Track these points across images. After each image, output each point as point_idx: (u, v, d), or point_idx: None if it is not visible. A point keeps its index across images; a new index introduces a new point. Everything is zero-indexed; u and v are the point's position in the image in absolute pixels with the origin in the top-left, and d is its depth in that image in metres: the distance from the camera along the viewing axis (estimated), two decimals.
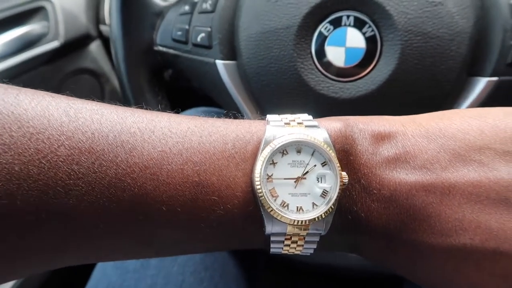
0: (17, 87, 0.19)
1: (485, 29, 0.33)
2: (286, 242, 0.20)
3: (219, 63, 0.38)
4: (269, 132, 0.20)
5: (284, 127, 0.20)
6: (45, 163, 0.17)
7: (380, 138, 0.20)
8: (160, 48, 0.41)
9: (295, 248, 0.20)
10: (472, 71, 0.33)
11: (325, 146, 0.19)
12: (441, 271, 0.19)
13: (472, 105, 0.34)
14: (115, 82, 0.74)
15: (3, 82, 0.19)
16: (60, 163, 0.17)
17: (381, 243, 0.20)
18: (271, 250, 0.21)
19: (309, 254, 0.21)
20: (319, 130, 0.20)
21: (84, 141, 0.18)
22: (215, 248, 0.22)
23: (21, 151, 0.17)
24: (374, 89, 0.33)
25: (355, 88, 0.34)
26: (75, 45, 0.66)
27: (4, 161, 0.16)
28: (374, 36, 0.33)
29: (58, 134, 0.17)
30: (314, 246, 0.20)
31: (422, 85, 0.33)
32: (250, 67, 0.36)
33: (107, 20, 0.70)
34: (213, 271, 0.44)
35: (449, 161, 0.19)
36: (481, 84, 0.33)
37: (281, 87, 0.35)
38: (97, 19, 0.70)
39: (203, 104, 0.52)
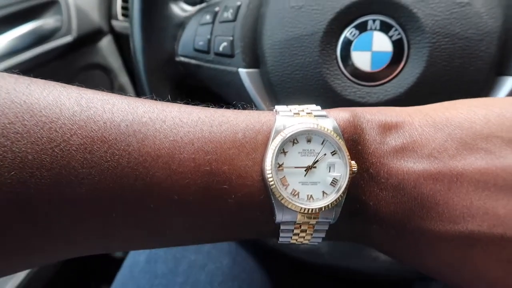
0: (28, 77, 0.19)
1: None
2: (296, 231, 0.20)
3: (242, 71, 0.37)
4: (279, 122, 0.20)
5: (293, 117, 0.20)
6: (58, 152, 0.17)
7: (388, 128, 0.20)
8: (182, 59, 0.41)
9: (303, 237, 0.21)
10: (500, 70, 0.33)
11: (335, 135, 0.19)
12: (449, 258, 0.19)
13: None
14: (125, 78, 0.75)
15: (14, 73, 0.19)
16: (73, 151, 0.17)
17: (390, 231, 0.20)
18: (280, 239, 0.21)
19: (316, 243, 0.21)
20: (328, 120, 0.20)
21: (97, 130, 0.18)
22: (225, 237, 0.22)
23: (34, 140, 0.17)
24: (402, 92, 0.33)
25: (382, 92, 0.33)
26: (87, 40, 0.66)
27: (17, 150, 0.16)
28: (400, 39, 0.33)
29: (70, 124, 0.17)
30: (323, 235, 0.21)
31: (451, 86, 0.33)
32: (274, 74, 0.36)
33: (119, 15, 0.70)
34: (240, 281, 0.44)
35: (456, 149, 0.19)
36: (510, 83, 0.33)
37: (307, 94, 0.35)
38: (109, 14, 0.70)
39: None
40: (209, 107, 0.21)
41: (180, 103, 0.21)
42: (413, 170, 0.19)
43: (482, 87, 0.33)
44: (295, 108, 0.21)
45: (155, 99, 0.21)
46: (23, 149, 0.16)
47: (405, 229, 0.20)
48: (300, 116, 0.20)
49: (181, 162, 0.18)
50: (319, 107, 0.21)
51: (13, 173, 0.16)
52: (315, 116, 0.20)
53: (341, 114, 0.21)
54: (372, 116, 0.21)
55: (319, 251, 0.42)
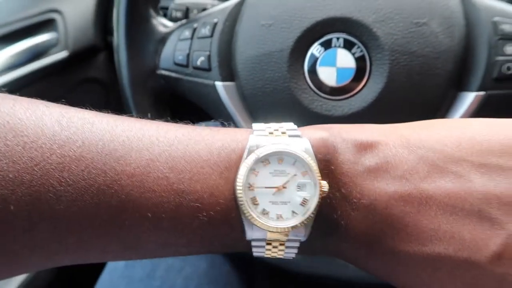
0: (13, 97, 0.20)
1: (470, 46, 0.34)
2: (268, 247, 0.21)
3: (219, 84, 0.39)
4: (252, 141, 0.21)
5: (267, 137, 0.21)
6: (37, 170, 0.18)
7: (363, 147, 0.21)
8: (163, 72, 0.43)
9: (276, 252, 0.21)
10: (460, 86, 0.35)
11: (306, 156, 0.20)
12: (418, 278, 0.20)
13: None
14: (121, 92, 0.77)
15: (2, 91, 0.20)
16: (52, 170, 0.18)
17: (361, 250, 0.21)
18: (254, 254, 0.21)
19: (291, 258, 0.22)
20: (301, 140, 0.21)
21: (75, 149, 0.19)
22: (198, 251, 0.22)
23: (15, 159, 0.18)
24: (365, 106, 0.35)
25: (347, 106, 0.35)
26: (83, 55, 0.68)
27: (0, 168, 0.17)
28: (363, 56, 0.34)
29: (50, 143, 0.18)
30: (295, 250, 0.21)
31: (412, 101, 0.34)
32: (247, 88, 0.38)
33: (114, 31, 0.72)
34: (216, 285, 0.45)
35: (427, 172, 0.20)
36: (469, 98, 0.34)
37: (277, 107, 0.37)
38: (105, 30, 0.73)
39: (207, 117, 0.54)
40: (188, 124, 0.22)
41: (162, 120, 0.22)
42: (385, 191, 0.20)
43: (441, 102, 0.34)
44: (270, 127, 0.22)
45: (139, 116, 0.22)
46: (5, 167, 0.17)
47: (376, 248, 0.20)
48: (274, 136, 0.21)
49: (155, 181, 0.19)
50: (295, 126, 0.22)
51: None
52: (289, 136, 0.21)
53: (316, 134, 0.21)
54: (347, 135, 0.21)
55: (294, 258, 0.43)
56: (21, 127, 0.18)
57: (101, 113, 0.21)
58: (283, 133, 0.21)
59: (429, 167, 0.20)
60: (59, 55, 0.63)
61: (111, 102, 0.78)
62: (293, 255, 0.22)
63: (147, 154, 0.20)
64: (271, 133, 0.21)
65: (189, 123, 0.23)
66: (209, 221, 0.20)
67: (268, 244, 0.21)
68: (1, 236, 0.18)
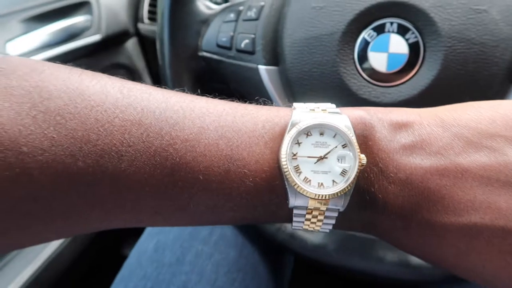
0: (79, 69, 0.22)
1: None
2: (307, 216, 0.22)
3: (262, 68, 0.39)
4: (295, 116, 0.22)
5: (309, 113, 0.22)
6: (102, 131, 0.19)
7: (398, 126, 0.22)
8: (205, 54, 0.42)
9: (315, 223, 0.22)
10: None
11: (346, 129, 0.21)
12: (454, 248, 0.21)
13: None
14: (147, 80, 0.77)
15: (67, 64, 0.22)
16: (115, 132, 0.20)
17: (397, 223, 0.21)
18: (293, 224, 0.22)
19: (327, 230, 0.23)
20: (341, 116, 0.22)
21: (135, 114, 0.20)
22: (242, 218, 0.23)
23: (83, 120, 0.19)
24: (415, 94, 0.34)
25: (396, 93, 0.34)
26: (114, 40, 0.69)
27: (70, 127, 0.19)
28: (417, 43, 0.34)
29: (113, 108, 0.20)
30: (333, 221, 0.22)
31: (464, 91, 0.33)
32: (293, 72, 0.37)
33: (145, 19, 0.73)
34: (245, 273, 0.44)
35: (462, 147, 0.20)
36: None
37: (324, 92, 0.36)
38: (136, 17, 0.73)
39: None
40: (233, 101, 0.24)
41: (209, 96, 0.24)
42: (421, 166, 0.20)
43: (496, 93, 0.33)
44: (311, 105, 0.23)
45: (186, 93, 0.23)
46: (74, 126, 0.19)
47: (412, 221, 0.21)
48: (315, 112, 0.22)
49: (206, 146, 0.21)
50: (334, 105, 0.23)
51: (65, 146, 0.19)
52: (329, 112, 0.22)
53: (354, 112, 0.22)
54: (383, 115, 0.22)
55: (326, 249, 0.42)
56: (88, 92, 0.20)
57: (155, 87, 0.23)
58: (323, 110, 0.22)
59: (464, 143, 0.20)
60: (93, 38, 0.63)
61: None
62: (330, 227, 0.22)
63: (198, 123, 0.21)
64: (312, 110, 0.22)
65: (234, 100, 0.24)
66: (254, 186, 0.21)
67: (308, 213, 0.21)
68: (67, 190, 0.19)
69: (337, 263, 0.43)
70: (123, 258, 0.49)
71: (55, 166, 0.18)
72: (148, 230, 0.49)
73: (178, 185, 0.20)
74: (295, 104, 0.23)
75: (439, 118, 0.22)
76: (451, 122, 0.21)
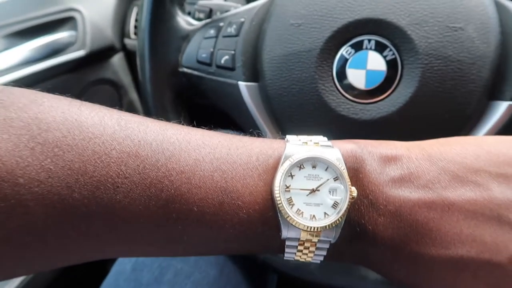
0: (79, 100, 0.22)
1: (505, 54, 0.33)
2: (299, 248, 0.22)
3: (242, 84, 0.39)
4: (288, 149, 0.22)
5: (302, 146, 0.23)
6: (99, 162, 0.20)
7: (387, 160, 0.22)
8: (185, 70, 0.42)
9: (307, 254, 0.22)
10: (492, 95, 0.34)
11: (337, 163, 0.22)
12: (442, 281, 0.21)
13: (493, 129, 0.34)
14: (134, 95, 0.77)
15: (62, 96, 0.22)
16: (112, 163, 0.20)
17: (387, 254, 0.21)
18: (285, 255, 0.23)
19: (319, 261, 0.23)
20: (333, 149, 0.22)
21: (132, 146, 0.21)
22: (235, 250, 0.23)
23: (81, 151, 0.19)
24: (394, 111, 0.34)
25: (375, 110, 0.34)
26: (99, 55, 0.69)
27: (67, 159, 0.19)
28: (394, 60, 0.34)
29: (111, 140, 0.20)
30: (324, 253, 0.22)
31: (442, 108, 0.33)
32: (272, 88, 0.37)
33: (131, 34, 0.73)
34: None
35: (449, 181, 0.21)
36: (502, 108, 0.33)
37: (302, 108, 0.36)
38: (123, 32, 0.73)
39: (221, 123, 0.53)
40: (228, 133, 0.24)
41: (204, 128, 0.25)
42: (409, 198, 0.21)
43: (474, 110, 0.33)
44: (304, 138, 0.24)
45: (182, 124, 0.24)
46: (72, 158, 0.19)
47: (401, 252, 0.21)
48: (307, 145, 0.23)
49: (201, 178, 0.21)
50: (325, 138, 0.23)
51: (62, 177, 0.19)
52: (321, 146, 0.23)
53: (345, 145, 0.23)
54: (373, 149, 0.23)
55: (309, 267, 0.42)
56: (86, 124, 0.20)
57: (152, 119, 0.23)
58: (316, 143, 0.23)
59: (450, 177, 0.21)
60: (77, 53, 0.63)
61: (123, 105, 0.78)
62: (321, 258, 0.23)
63: (194, 155, 0.21)
64: (305, 143, 0.23)
65: (221, 130, 0.25)
66: (248, 218, 0.21)
67: (300, 244, 0.22)
68: (62, 221, 0.19)
69: (320, 281, 0.42)
70: (104, 271, 0.48)
71: (50, 198, 0.19)
72: None
73: (172, 217, 0.21)
74: (288, 137, 0.24)
75: (426, 152, 0.22)
76: (438, 156, 0.22)
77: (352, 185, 0.21)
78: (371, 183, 0.22)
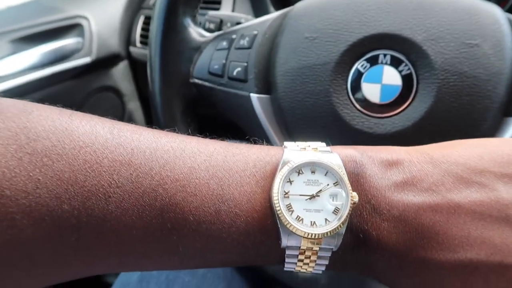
0: (70, 110, 0.21)
1: None
2: (300, 257, 0.21)
3: (254, 96, 0.38)
4: (286, 155, 0.22)
5: (300, 151, 0.22)
6: (90, 172, 0.19)
7: (388, 164, 0.22)
8: (196, 81, 0.42)
9: (308, 264, 0.21)
10: (507, 111, 0.34)
11: (337, 167, 0.21)
12: (450, 286, 0.20)
13: None
14: (137, 103, 0.77)
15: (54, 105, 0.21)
16: (103, 172, 0.19)
17: (392, 261, 0.21)
18: (286, 265, 0.22)
19: (320, 272, 0.22)
20: (332, 154, 0.22)
21: (125, 155, 0.20)
22: (233, 261, 0.23)
23: (71, 161, 0.19)
24: (409, 125, 0.34)
25: (390, 124, 0.34)
26: (105, 63, 0.69)
27: (57, 169, 0.18)
28: (410, 74, 0.34)
29: (103, 148, 0.20)
30: (326, 262, 0.21)
31: (458, 123, 0.33)
32: (285, 100, 0.37)
33: (137, 43, 0.73)
34: None
35: (453, 183, 0.20)
36: None
37: (316, 121, 0.36)
38: (128, 40, 0.73)
39: (230, 134, 0.53)
40: (224, 140, 0.23)
41: (200, 136, 0.24)
42: (413, 202, 0.20)
43: (489, 126, 0.33)
44: (302, 144, 0.23)
45: (176, 132, 0.23)
46: (61, 168, 0.18)
47: (407, 258, 0.20)
48: (306, 151, 0.22)
49: (196, 186, 0.20)
50: (324, 144, 0.23)
51: (51, 188, 0.18)
52: (320, 151, 0.22)
53: (344, 150, 0.22)
54: (373, 153, 0.22)
55: (318, 282, 0.41)
56: (77, 133, 0.20)
57: (145, 127, 0.23)
58: (314, 149, 0.22)
59: (454, 179, 0.21)
60: (82, 60, 0.63)
61: (126, 113, 0.78)
62: (323, 268, 0.22)
63: (189, 163, 0.21)
64: (303, 148, 0.22)
65: (217, 138, 0.24)
66: (245, 227, 0.20)
67: (301, 253, 0.21)
68: (50, 234, 0.18)
69: None
70: (105, 285, 0.47)
71: (38, 210, 0.18)
72: None
73: (167, 227, 0.20)
74: (286, 143, 0.23)
75: (428, 156, 0.22)
76: (440, 159, 0.21)
77: (353, 190, 0.21)
78: (373, 188, 0.21)
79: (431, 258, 0.20)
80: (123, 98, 0.77)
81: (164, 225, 0.20)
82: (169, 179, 0.20)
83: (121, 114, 0.76)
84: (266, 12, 0.68)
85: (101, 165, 0.19)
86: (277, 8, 0.67)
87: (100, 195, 0.19)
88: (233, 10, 0.72)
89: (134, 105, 0.78)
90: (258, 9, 0.69)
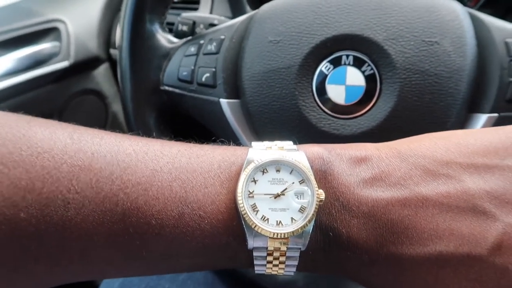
0: (29, 116, 0.21)
1: (482, 67, 0.33)
2: (269, 258, 0.21)
3: (223, 101, 0.38)
4: (251, 154, 0.21)
5: (265, 150, 0.22)
6: (48, 178, 0.19)
7: (357, 161, 0.22)
8: (166, 88, 0.42)
9: (277, 265, 0.21)
10: (471, 108, 0.34)
11: (302, 165, 0.21)
12: (422, 281, 0.20)
13: None
14: (119, 105, 0.76)
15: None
16: (62, 178, 0.19)
17: (364, 258, 0.21)
18: (255, 268, 0.21)
19: (292, 273, 0.22)
20: (297, 152, 0.22)
21: (84, 160, 0.20)
22: (202, 266, 0.22)
23: (28, 168, 0.18)
24: (374, 125, 0.34)
25: (356, 125, 0.34)
26: (84, 66, 0.68)
27: (13, 176, 0.18)
28: (373, 75, 0.34)
29: (62, 154, 0.19)
30: (295, 262, 0.21)
31: (422, 121, 0.33)
32: (253, 105, 0.37)
33: (117, 45, 0.72)
34: None
35: (421, 176, 0.21)
36: (481, 120, 0.33)
37: (283, 125, 0.36)
38: (108, 43, 0.73)
39: (206, 138, 0.53)
40: (190, 142, 0.23)
41: (165, 139, 0.23)
42: (382, 197, 0.20)
43: (454, 123, 0.33)
44: (268, 143, 0.23)
45: (141, 135, 0.23)
46: (18, 175, 0.18)
47: (378, 254, 0.20)
48: (271, 150, 0.22)
49: (159, 189, 0.20)
50: (291, 142, 0.23)
51: (7, 196, 0.18)
52: (286, 149, 0.22)
53: (311, 148, 0.22)
54: (341, 151, 0.22)
55: (297, 284, 0.41)
56: (35, 139, 0.19)
57: (108, 131, 0.22)
58: (280, 147, 0.22)
59: (422, 172, 0.21)
60: (60, 64, 0.62)
61: (109, 115, 0.77)
62: (294, 269, 0.22)
63: (151, 165, 0.20)
64: (268, 147, 0.22)
65: (183, 141, 0.24)
66: (211, 229, 0.20)
67: (269, 254, 0.21)
68: (8, 243, 0.18)
69: None
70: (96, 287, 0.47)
71: None
72: None
73: (129, 232, 0.19)
74: (253, 143, 0.23)
75: (396, 150, 0.22)
76: (408, 153, 0.21)
77: (321, 188, 0.21)
78: (341, 185, 0.21)
79: (402, 253, 0.20)
80: (105, 101, 0.76)
81: (126, 230, 0.19)
82: (130, 183, 0.20)
83: (105, 117, 0.76)
84: (243, 12, 0.68)
85: (59, 171, 0.19)
86: (254, 8, 0.67)
87: (59, 201, 0.18)
88: (211, 11, 0.72)
89: (117, 107, 0.78)
90: (236, 10, 0.69)
